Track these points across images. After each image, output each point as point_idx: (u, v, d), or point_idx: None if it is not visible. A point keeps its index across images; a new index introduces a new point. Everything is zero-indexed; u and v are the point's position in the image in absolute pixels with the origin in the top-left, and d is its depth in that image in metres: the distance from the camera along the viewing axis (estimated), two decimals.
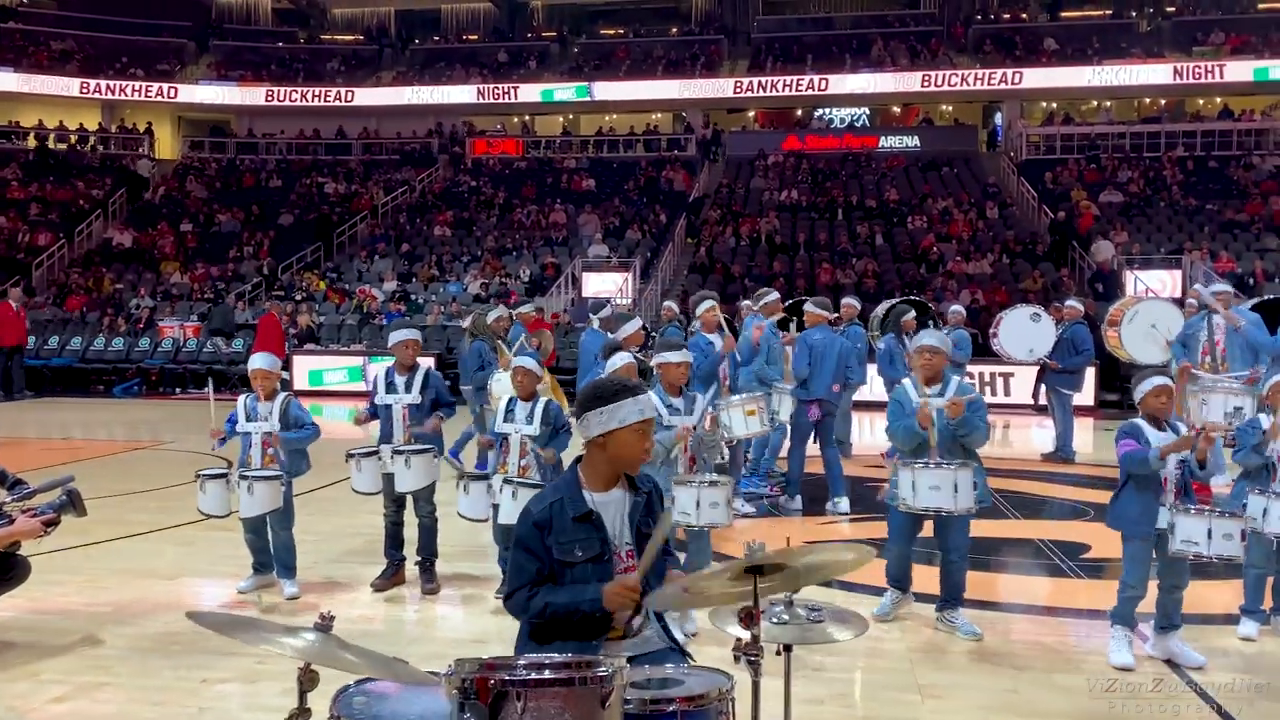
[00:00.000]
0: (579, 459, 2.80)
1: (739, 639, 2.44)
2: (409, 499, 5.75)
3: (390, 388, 5.78)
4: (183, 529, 6.98)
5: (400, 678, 2.32)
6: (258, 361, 5.56)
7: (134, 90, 29.58)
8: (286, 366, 16.70)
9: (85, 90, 29.13)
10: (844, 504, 7.58)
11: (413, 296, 19.49)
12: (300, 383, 16.19)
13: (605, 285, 19.22)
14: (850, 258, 19.84)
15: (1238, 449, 4.98)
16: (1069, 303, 10.23)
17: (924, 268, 19.38)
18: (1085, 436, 11.16)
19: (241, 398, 5.63)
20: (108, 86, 29.32)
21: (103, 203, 25.04)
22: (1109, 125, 26.08)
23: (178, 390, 17.10)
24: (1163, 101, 27.30)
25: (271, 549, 5.59)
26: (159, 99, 29.63)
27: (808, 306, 8.07)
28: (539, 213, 23.49)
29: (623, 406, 2.67)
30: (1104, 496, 8.18)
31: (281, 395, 5.60)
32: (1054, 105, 27.80)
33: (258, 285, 20.81)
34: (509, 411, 5.38)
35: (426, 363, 6.02)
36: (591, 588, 2.63)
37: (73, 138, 28.48)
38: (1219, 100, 26.40)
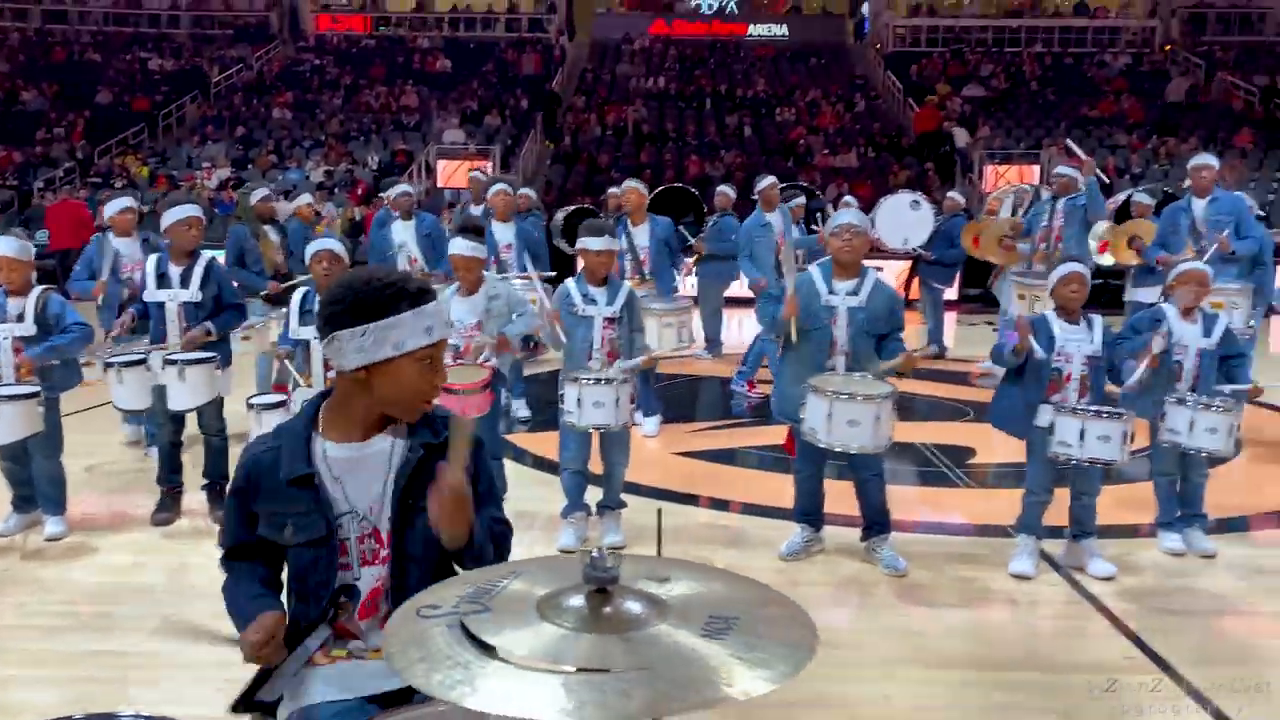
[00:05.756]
0: (326, 392, 1.97)
1: None
2: (191, 415, 4.93)
3: (162, 281, 4.84)
4: None
5: None
6: (2, 247, 4.51)
7: None
8: None
9: None
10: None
11: (248, 184, 17.81)
12: None
13: (461, 174, 18.02)
14: (719, 149, 19.21)
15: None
16: (950, 194, 9.91)
17: (792, 161, 18.96)
18: (949, 331, 11.04)
19: None
20: None
21: None
22: (972, 19, 25.99)
23: None
24: None
25: (34, 481, 4.66)
26: None
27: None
28: (389, 95, 21.83)
29: (401, 323, 1.80)
30: (979, 394, 8.05)
31: (37, 290, 4.59)
32: None
33: (70, 171, 18.65)
34: (304, 312, 4.60)
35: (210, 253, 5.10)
36: (252, 607, 1.85)
37: None
38: None
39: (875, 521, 4.50)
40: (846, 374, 4.25)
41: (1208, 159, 6.42)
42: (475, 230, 5.06)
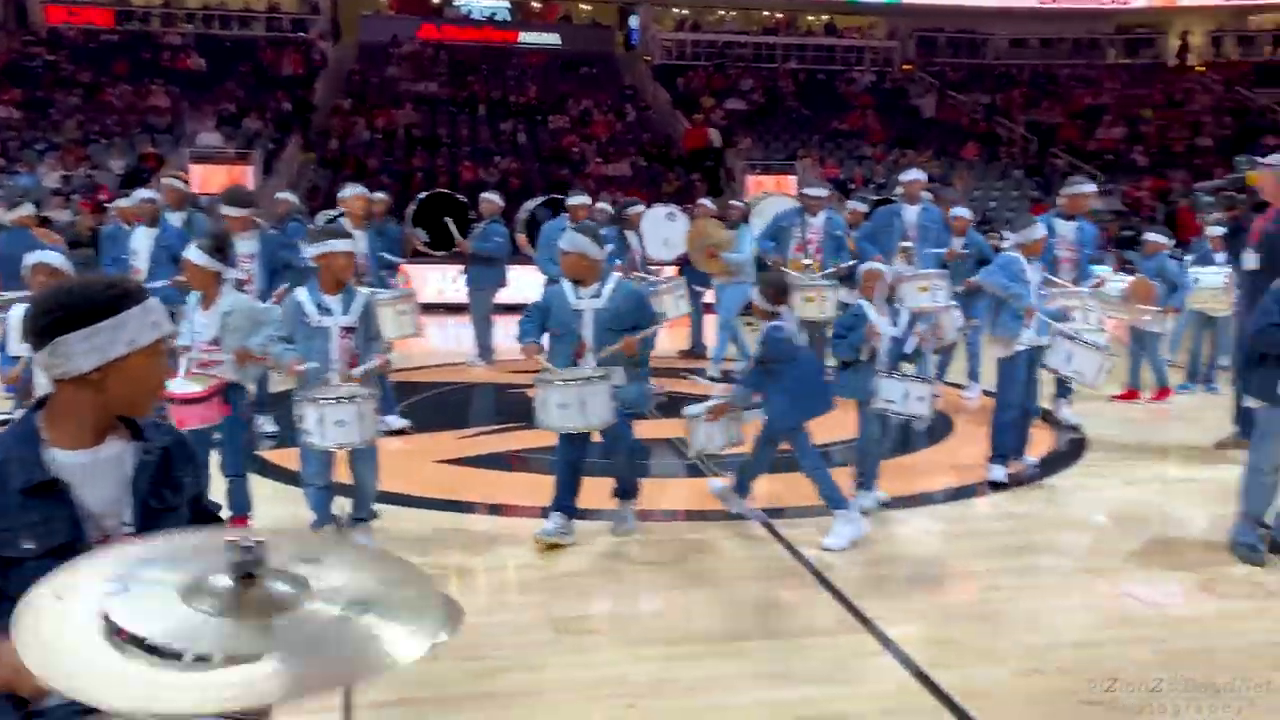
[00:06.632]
0: (40, 401, 1.93)
1: None
2: None
3: None
4: None
5: None
6: None
7: None
8: None
9: None
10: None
11: None
12: None
13: (219, 179, 17.09)
14: (493, 155, 19.25)
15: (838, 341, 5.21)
16: (700, 201, 10.47)
17: (567, 169, 19.27)
18: (709, 331, 11.61)
19: None
20: None
21: None
22: (732, 34, 27.35)
23: None
24: (779, 15, 29.06)
25: None
26: None
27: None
28: (135, 95, 20.37)
29: (129, 320, 1.83)
30: None
31: None
32: (685, 11, 28.61)
33: None
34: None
35: None
36: None
37: None
38: (825, 17, 28.59)
39: (620, 484, 4.94)
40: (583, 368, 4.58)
41: (916, 173, 7.46)
42: (216, 239, 4.89)
